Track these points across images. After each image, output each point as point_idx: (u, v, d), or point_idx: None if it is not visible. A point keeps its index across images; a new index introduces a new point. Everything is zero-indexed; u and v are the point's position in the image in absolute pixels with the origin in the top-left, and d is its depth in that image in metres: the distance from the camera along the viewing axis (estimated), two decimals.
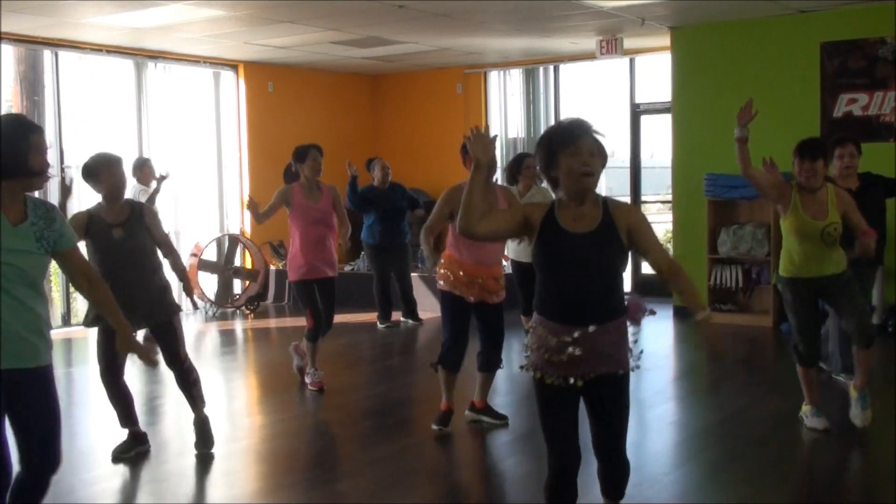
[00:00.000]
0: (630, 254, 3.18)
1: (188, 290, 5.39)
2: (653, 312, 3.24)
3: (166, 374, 7.50)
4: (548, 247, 3.14)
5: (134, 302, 4.81)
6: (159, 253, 5.11)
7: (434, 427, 5.53)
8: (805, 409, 5.38)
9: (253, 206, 6.50)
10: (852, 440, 5.24)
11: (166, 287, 5.10)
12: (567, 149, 3.08)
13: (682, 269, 3.20)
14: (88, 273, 3.40)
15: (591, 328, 3.08)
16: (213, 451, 5.33)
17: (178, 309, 5.12)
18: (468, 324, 5.43)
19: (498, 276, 5.42)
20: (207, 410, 5.54)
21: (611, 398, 3.19)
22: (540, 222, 3.16)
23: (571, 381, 3.12)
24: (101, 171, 4.89)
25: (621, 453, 3.27)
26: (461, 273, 5.32)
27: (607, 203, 3.17)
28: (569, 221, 3.14)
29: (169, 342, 5.05)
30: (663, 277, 3.17)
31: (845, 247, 5.18)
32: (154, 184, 8.73)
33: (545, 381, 3.18)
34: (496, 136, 3.27)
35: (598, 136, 3.16)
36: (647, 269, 11.86)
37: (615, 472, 3.30)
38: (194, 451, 5.17)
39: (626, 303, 3.19)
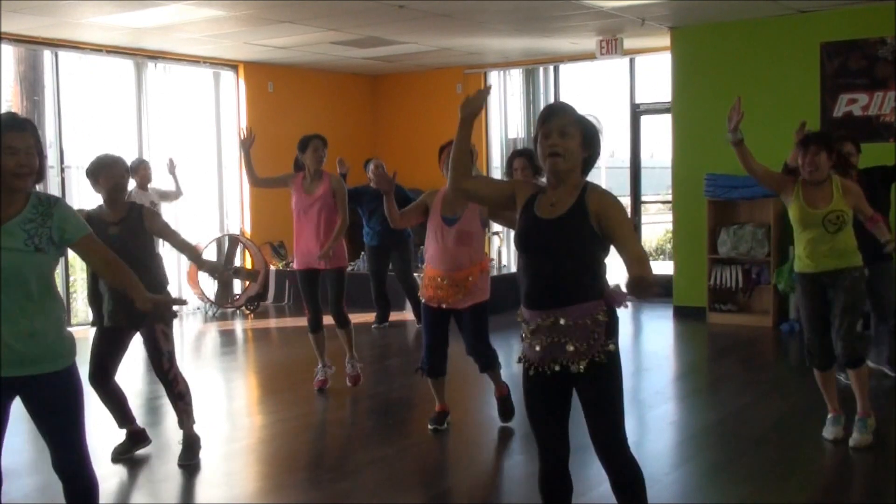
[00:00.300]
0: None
1: (199, 263, 5.19)
2: (626, 305, 3.11)
3: None
4: (520, 231, 3.16)
5: (125, 300, 4.78)
6: (159, 255, 5.10)
7: (430, 427, 5.56)
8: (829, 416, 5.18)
9: (247, 140, 6.38)
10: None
11: (161, 293, 4.95)
12: (540, 131, 3.10)
13: (642, 264, 2.93)
14: (106, 257, 3.33)
15: (557, 319, 3.02)
16: (213, 451, 5.33)
17: (167, 319, 4.97)
18: (443, 330, 5.43)
19: (460, 280, 5.26)
20: (207, 410, 5.55)
21: (588, 388, 3.08)
22: (522, 205, 3.18)
23: (549, 370, 3.08)
24: (101, 172, 4.86)
25: (613, 448, 3.13)
26: (427, 278, 5.37)
27: (586, 188, 3.08)
28: (544, 207, 3.11)
29: (150, 350, 4.98)
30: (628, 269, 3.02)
31: (860, 239, 5.03)
32: (151, 189, 8.74)
33: (529, 373, 3.16)
34: (487, 90, 3.34)
35: (577, 117, 3.08)
36: None
37: (612, 470, 3.17)
38: (201, 451, 5.16)
39: (606, 290, 3.06)
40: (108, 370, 5.03)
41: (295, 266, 6.65)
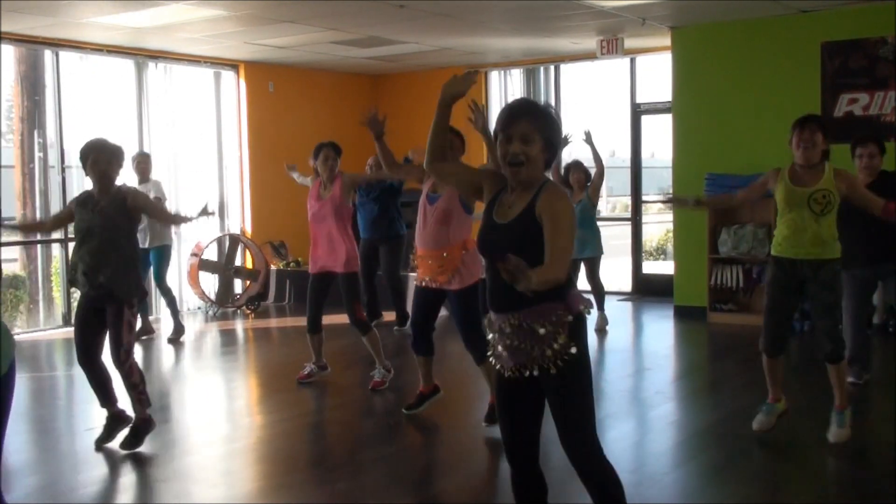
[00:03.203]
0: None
1: (178, 221, 5.34)
2: (588, 310, 3.04)
3: (173, 374, 7.52)
4: (479, 234, 3.13)
5: (97, 268, 4.94)
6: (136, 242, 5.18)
7: (403, 410, 5.75)
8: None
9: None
10: (852, 441, 5.22)
11: (132, 272, 5.05)
12: (502, 133, 2.98)
13: (545, 272, 2.79)
14: None
15: (517, 321, 2.97)
16: (213, 451, 5.34)
17: (135, 296, 5.05)
18: (428, 309, 5.58)
19: (440, 258, 5.36)
20: (207, 410, 5.52)
21: (552, 391, 3.02)
22: (488, 201, 3.12)
23: (518, 373, 3.02)
24: (89, 156, 4.99)
25: (580, 453, 3.03)
26: (416, 258, 5.59)
27: (542, 188, 2.97)
28: (502, 208, 3.04)
29: (113, 331, 5.02)
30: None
31: (843, 233, 4.91)
32: (153, 182, 8.71)
33: (502, 374, 3.11)
34: (475, 74, 3.21)
35: (539, 121, 2.96)
36: (647, 269, 11.87)
37: (582, 476, 3.06)
38: (200, 451, 5.18)
39: (568, 293, 2.98)
40: (93, 350, 5.13)
41: (310, 270, 6.64)
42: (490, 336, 3.12)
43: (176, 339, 8.78)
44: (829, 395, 5.72)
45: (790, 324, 5.13)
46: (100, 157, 4.95)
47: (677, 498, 4.43)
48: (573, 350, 2.97)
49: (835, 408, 5.04)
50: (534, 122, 2.96)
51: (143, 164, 8.84)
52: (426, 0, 7.97)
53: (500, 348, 3.07)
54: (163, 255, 8.77)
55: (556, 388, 3.01)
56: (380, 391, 6.55)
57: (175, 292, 10.61)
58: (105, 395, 5.22)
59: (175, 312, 8.88)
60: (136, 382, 5.12)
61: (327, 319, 6.87)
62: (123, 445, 5.07)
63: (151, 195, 8.42)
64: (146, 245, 8.67)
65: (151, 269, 8.81)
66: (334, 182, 6.50)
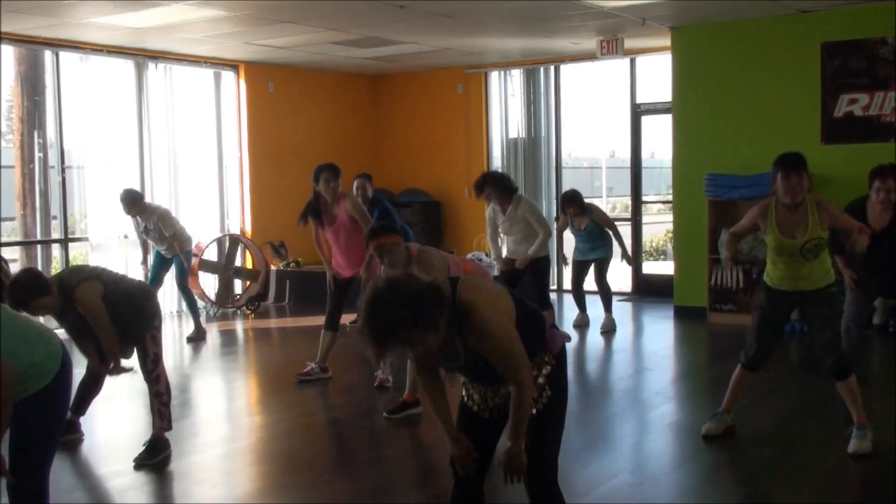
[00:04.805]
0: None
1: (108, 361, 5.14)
2: (568, 339, 3.17)
3: (173, 374, 7.52)
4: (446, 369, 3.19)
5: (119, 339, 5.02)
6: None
7: (384, 415, 5.78)
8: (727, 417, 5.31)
9: None
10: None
11: (135, 325, 5.03)
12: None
13: (519, 395, 2.90)
14: None
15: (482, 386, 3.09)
16: (213, 451, 5.34)
17: (147, 331, 5.07)
18: None
19: None
20: (207, 410, 5.49)
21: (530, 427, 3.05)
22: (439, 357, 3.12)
23: (481, 407, 3.12)
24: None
25: (539, 483, 3.10)
26: None
27: (462, 323, 2.89)
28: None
29: (139, 350, 5.14)
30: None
31: (835, 255, 4.93)
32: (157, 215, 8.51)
33: (465, 400, 3.18)
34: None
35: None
36: (647, 269, 11.86)
37: (533, 500, 3.13)
38: (201, 451, 5.18)
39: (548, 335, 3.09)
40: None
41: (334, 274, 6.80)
42: (465, 388, 3.17)
43: (195, 340, 8.85)
44: (828, 394, 5.72)
45: (779, 341, 5.25)
46: (14, 304, 4.40)
47: (677, 498, 4.43)
48: (550, 391, 3.06)
49: (856, 424, 4.95)
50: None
51: (126, 202, 8.34)
52: (426, 0, 7.97)
53: (477, 396, 3.13)
54: (187, 258, 8.88)
55: (536, 420, 3.05)
56: (383, 390, 6.56)
57: (176, 293, 10.63)
58: (78, 404, 5.36)
59: (196, 315, 8.98)
60: (161, 392, 5.11)
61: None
62: (137, 460, 4.99)
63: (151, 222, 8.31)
64: (170, 256, 8.63)
65: (174, 270, 8.81)
66: (339, 203, 6.61)
